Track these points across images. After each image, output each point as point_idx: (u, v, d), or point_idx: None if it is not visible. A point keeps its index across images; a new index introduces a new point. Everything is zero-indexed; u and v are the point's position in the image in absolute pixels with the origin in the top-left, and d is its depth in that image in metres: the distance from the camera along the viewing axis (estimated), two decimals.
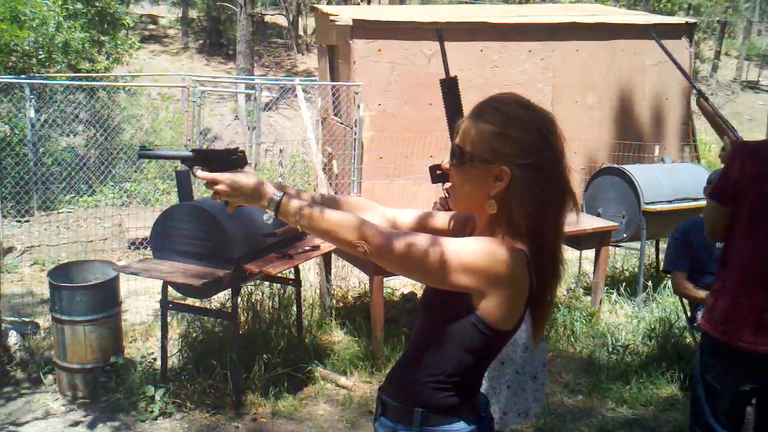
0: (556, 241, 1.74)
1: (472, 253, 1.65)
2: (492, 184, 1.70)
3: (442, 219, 2.02)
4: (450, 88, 2.70)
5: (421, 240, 1.68)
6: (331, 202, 1.98)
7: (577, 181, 7.97)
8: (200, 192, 8.68)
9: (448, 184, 2.61)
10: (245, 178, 1.83)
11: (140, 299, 6.29)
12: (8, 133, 10.31)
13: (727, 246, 2.85)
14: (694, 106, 10.97)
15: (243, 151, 1.99)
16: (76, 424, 4.18)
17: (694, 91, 3.94)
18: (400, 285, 6.41)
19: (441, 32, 2.87)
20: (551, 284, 1.78)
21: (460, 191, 1.78)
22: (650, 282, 6.17)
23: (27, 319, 5.37)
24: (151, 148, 2.15)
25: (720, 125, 3.38)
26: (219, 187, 1.84)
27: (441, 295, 1.73)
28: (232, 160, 1.94)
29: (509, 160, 1.67)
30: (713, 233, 2.91)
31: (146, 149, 2.05)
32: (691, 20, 12.27)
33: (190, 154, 1.96)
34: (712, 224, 2.88)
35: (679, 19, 13.39)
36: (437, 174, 2.68)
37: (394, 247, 1.68)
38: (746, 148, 2.81)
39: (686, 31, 11.35)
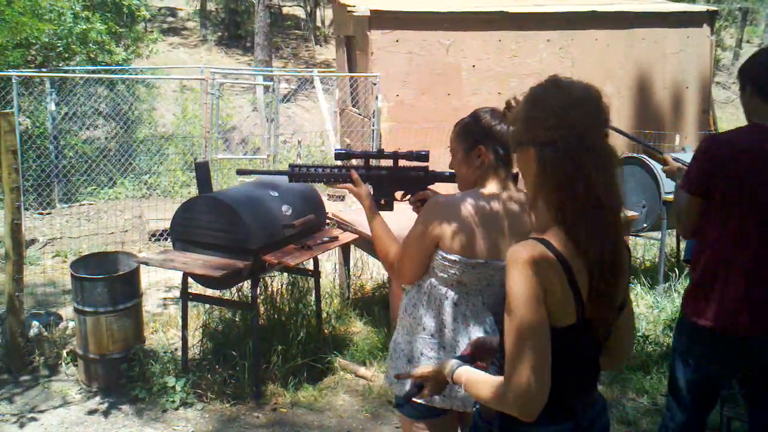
0: (589, 226, 1.60)
1: (517, 298, 1.57)
2: (532, 169, 1.66)
3: None
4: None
5: None
6: None
7: None
8: (219, 184, 8.73)
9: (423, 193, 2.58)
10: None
11: (161, 290, 6.35)
12: (30, 127, 10.40)
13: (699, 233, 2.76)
14: (715, 95, 10.85)
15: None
16: (94, 412, 4.23)
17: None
18: None
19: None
20: (599, 267, 1.62)
21: (524, 181, 1.74)
22: (675, 271, 6.12)
23: (49, 310, 5.43)
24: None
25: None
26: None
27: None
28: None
29: (533, 142, 1.64)
30: (686, 225, 2.79)
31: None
32: (712, 8, 12.14)
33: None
34: (686, 216, 2.77)
35: (700, 6, 13.24)
36: (383, 204, 2.55)
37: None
38: (716, 140, 2.71)
39: (707, 19, 11.24)
